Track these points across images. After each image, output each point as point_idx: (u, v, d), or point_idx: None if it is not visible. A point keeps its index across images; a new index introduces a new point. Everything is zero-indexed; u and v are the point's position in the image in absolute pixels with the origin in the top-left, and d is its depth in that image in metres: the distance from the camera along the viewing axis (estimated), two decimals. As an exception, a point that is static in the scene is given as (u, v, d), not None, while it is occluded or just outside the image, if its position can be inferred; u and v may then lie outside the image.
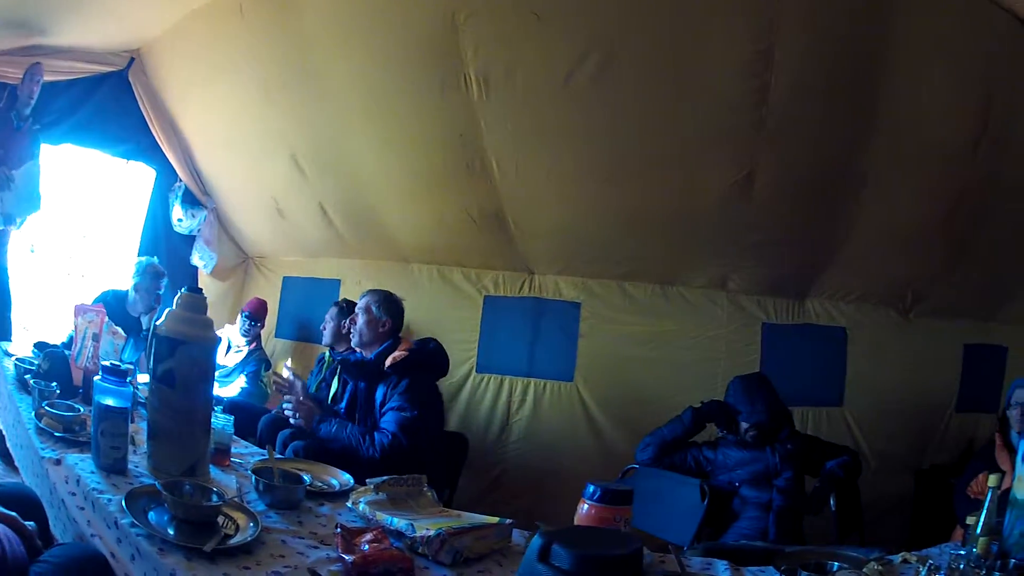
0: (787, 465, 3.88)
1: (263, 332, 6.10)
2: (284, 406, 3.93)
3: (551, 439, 5.16)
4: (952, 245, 5.05)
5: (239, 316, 5.92)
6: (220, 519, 1.93)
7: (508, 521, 2.14)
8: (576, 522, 1.99)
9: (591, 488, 1.99)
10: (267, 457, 2.68)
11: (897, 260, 5.08)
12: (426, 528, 1.92)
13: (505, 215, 4.86)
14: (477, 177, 4.72)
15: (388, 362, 3.87)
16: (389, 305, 4.10)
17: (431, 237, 5.33)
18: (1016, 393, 4.03)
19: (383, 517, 2.09)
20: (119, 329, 3.58)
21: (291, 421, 3.90)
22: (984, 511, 2.25)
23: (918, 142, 4.31)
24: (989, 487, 2.29)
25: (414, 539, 1.91)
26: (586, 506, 1.98)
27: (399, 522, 2.01)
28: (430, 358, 4.02)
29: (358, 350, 4.14)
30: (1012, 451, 3.86)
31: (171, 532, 1.81)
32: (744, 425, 3.97)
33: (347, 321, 4.28)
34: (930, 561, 2.15)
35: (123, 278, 5.42)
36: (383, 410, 3.78)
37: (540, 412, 5.16)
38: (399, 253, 5.60)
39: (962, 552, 2.21)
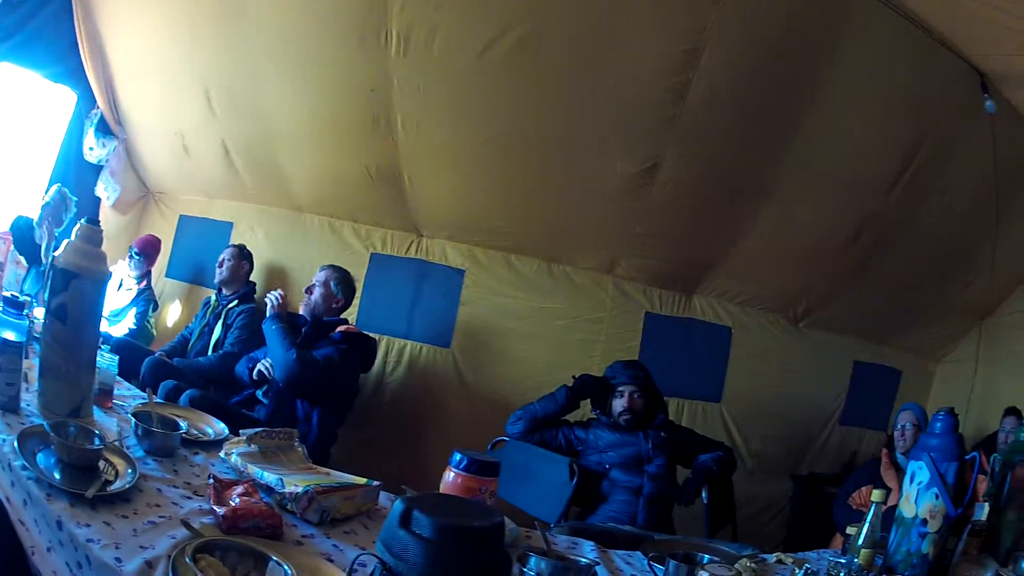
0: (659, 452, 3.91)
1: (155, 271, 5.89)
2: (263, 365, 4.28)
3: (424, 404, 5.11)
4: (849, 269, 5.22)
5: (128, 252, 5.70)
6: (101, 464, 1.91)
7: (376, 483, 2.14)
8: (441, 490, 1.98)
9: (458, 456, 1.97)
10: (147, 401, 2.62)
11: (791, 273, 5.22)
12: (295, 485, 1.91)
13: (402, 174, 4.77)
14: (381, 134, 4.61)
15: (341, 329, 4.42)
16: (345, 286, 4.64)
17: (327, 188, 5.21)
18: (902, 415, 4.21)
19: (254, 470, 2.08)
20: (22, 259, 3.43)
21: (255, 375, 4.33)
22: (867, 523, 2.33)
23: (834, 171, 4.44)
24: (873, 501, 2.37)
25: (283, 495, 1.91)
26: (452, 474, 1.96)
27: (269, 477, 2.01)
28: (372, 344, 4.61)
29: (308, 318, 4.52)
30: (898, 469, 4.03)
31: (57, 476, 1.81)
32: (618, 407, 3.98)
33: (306, 290, 4.62)
34: (807, 565, 2.20)
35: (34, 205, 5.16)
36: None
37: (414, 376, 5.11)
38: (293, 201, 5.47)
39: (842, 560, 2.29)
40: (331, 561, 1.68)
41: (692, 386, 5.30)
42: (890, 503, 3.64)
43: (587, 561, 1.87)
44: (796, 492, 5.74)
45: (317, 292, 4.53)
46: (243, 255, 5.25)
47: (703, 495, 3.97)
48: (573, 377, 4.07)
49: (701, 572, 1.64)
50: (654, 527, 3.61)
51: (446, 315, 5.08)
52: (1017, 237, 5.22)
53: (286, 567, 1.48)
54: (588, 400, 4.13)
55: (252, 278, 5.31)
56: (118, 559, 1.47)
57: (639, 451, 3.91)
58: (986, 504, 2.84)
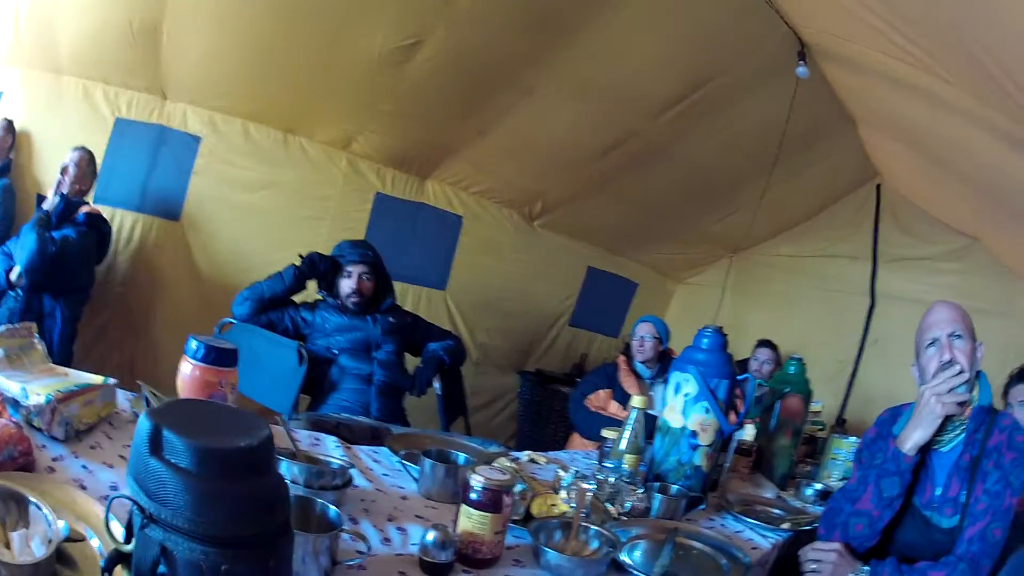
0: (388, 338, 3.83)
1: None
2: None
3: (154, 285, 4.73)
4: (595, 180, 5.37)
5: None
6: None
7: (111, 381, 1.91)
8: (179, 383, 1.77)
9: (195, 345, 1.76)
10: None
11: (534, 172, 5.30)
12: (37, 393, 1.67)
13: (162, 30, 4.30)
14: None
15: (85, 210, 4.17)
16: (94, 167, 4.33)
17: (88, 46, 4.60)
18: (642, 326, 4.39)
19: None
20: None
21: None
22: (630, 429, 2.41)
23: (604, 84, 4.44)
24: (633, 407, 2.45)
25: (29, 408, 1.65)
26: (190, 367, 1.76)
27: (14, 387, 1.73)
28: (108, 231, 4.38)
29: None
30: (637, 376, 4.24)
31: None
32: (346, 289, 3.80)
33: (61, 170, 4.21)
34: (576, 469, 2.24)
35: None
36: None
37: (145, 253, 4.68)
38: (54, 63, 4.77)
39: (609, 464, 2.35)
40: (84, 489, 1.44)
41: (417, 272, 5.27)
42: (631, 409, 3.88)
43: (340, 463, 1.79)
44: (524, 387, 5.98)
45: (72, 172, 4.20)
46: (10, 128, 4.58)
47: (435, 386, 3.97)
48: (300, 256, 3.89)
49: (474, 476, 1.58)
50: (388, 417, 3.55)
51: (178, 185, 4.66)
52: (785, 191, 5.65)
53: (45, 513, 1.21)
54: (316, 281, 3.98)
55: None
56: None
57: (367, 336, 3.79)
58: (751, 426, 3.10)
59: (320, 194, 4.82)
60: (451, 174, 5.21)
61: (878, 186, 6.23)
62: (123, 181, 4.56)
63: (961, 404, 1.96)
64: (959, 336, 2.02)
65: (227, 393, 1.77)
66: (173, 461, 1.04)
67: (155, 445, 1.06)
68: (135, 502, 1.06)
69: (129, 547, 1.07)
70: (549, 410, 5.70)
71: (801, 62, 4.23)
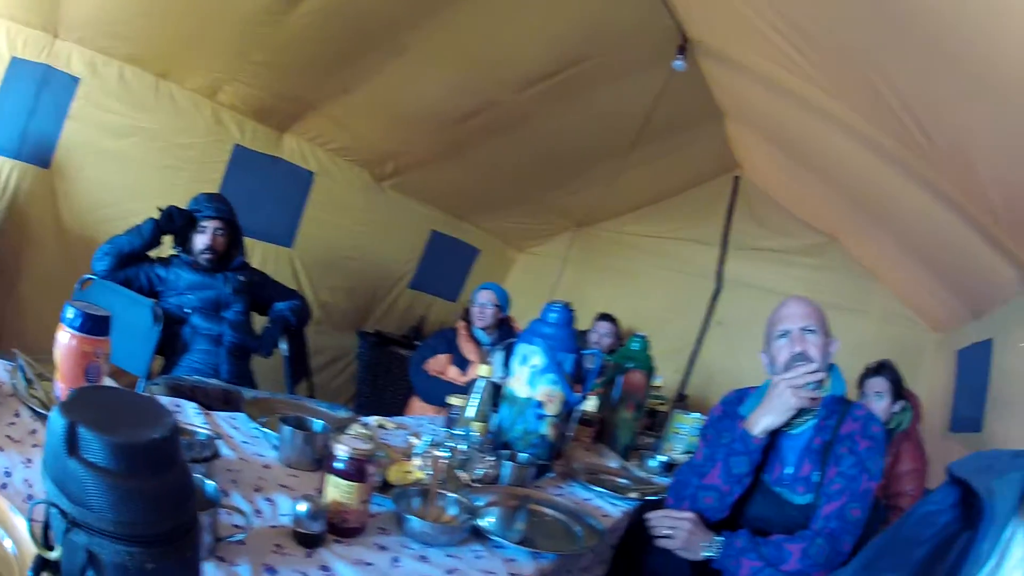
0: (238, 297, 3.80)
1: None
2: None
3: (25, 237, 4.40)
4: (449, 145, 5.36)
5: None
6: None
7: None
8: (56, 353, 1.66)
9: (72, 314, 1.67)
10: None
11: (391, 133, 5.24)
12: None
13: None
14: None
15: None
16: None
17: None
18: (483, 293, 4.45)
19: None
20: None
21: None
22: (478, 397, 2.46)
23: (475, 52, 4.42)
24: (480, 376, 2.50)
25: None
26: (68, 336, 1.66)
27: None
28: None
29: None
30: (476, 343, 4.29)
31: None
32: (199, 244, 3.71)
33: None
34: (430, 437, 2.25)
35: None
36: None
37: (18, 203, 4.37)
38: None
39: (459, 432, 2.38)
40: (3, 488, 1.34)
41: (266, 228, 5.11)
42: (471, 375, 3.94)
43: (206, 433, 1.75)
44: (363, 348, 5.94)
45: None
46: None
47: (282, 347, 3.95)
48: (160, 209, 3.73)
49: (339, 445, 1.58)
50: (238, 380, 3.52)
51: (50, 131, 4.35)
52: (642, 172, 5.84)
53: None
54: (171, 236, 3.83)
55: None
56: None
57: (218, 295, 3.73)
58: (594, 398, 3.19)
59: (183, 142, 4.58)
60: (310, 129, 5.07)
61: (737, 178, 6.57)
62: (5, 125, 4.22)
63: (814, 398, 2.09)
64: (812, 331, 2.16)
65: (102, 363, 1.68)
66: (92, 460, 0.98)
67: (72, 445, 0.99)
68: (59, 508, 0.99)
69: (54, 554, 1.00)
70: (387, 372, 5.69)
71: (680, 56, 4.39)
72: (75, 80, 4.16)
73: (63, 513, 0.98)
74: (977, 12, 2.31)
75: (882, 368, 3.70)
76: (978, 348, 4.29)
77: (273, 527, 1.50)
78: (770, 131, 5.17)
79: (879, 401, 3.60)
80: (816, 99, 3.87)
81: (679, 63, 4.37)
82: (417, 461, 2.01)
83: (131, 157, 4.38)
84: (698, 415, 3.44)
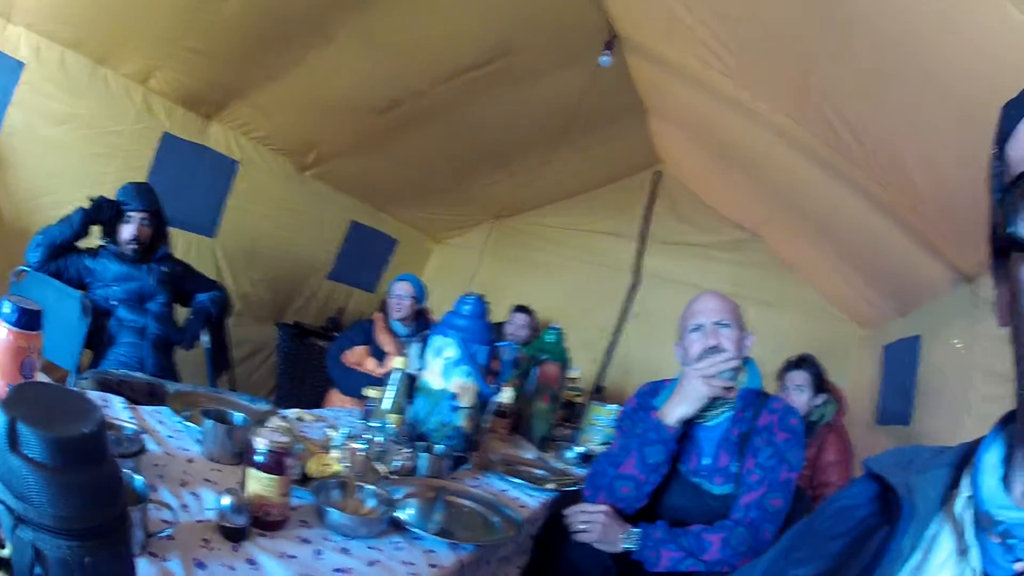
0: (161, 288, 3.77)
1: None
2: None
3: None
4: (370, 135, 5.34)
5: None
6: None
7: None
8: None
9: (8, 308, 1.65)
10: None
11: (315, 122, 5.21)
12: None
13: None
14: None
15: None
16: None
17: None
18: (399, 285, 4.47)
19: None
20: None
21: None
22: (394, 389, 2.51)
23: (398, 42, 4.43)
24: (395, 368, 2.57)
25: None
26: (4, 331, 1.64)
27: None
28: None
29: None
30: (393, 334, 4.32)
31: None
32: (126, 235, 3.67)
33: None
34: (349, 430, 2.27)
35: None
36: None
37: None
38: None
39: (377, 424, 2.42)
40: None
41: (190, 217, 5.01)
42: (387, 367, 3.95)
43: (133, 428, 1.74)
44: (283, 340, 5.89)
45: None
46: None
47: (204, 339, 3.92)
48: (90, 199, 3.67)
49: (258, 438, 1.59)
50: (162, 373, 3.50)
51: None
52: (563, 166, 5.91)
53: None
54: (100, 226, 3.76)
55: None
56: None
57: (142, 286, 3.70)
58: (509, 389, 3.23)
59: (114, 129, 4.46)
60: (236, 118, 4.97)
61: (658, 173, 6.68)
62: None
63: (728, 388, 2.16)
64: (726, 325, 2.23)
65: (35, 358, 1.65)
66: (31, 456, 0.98)
67: (13, 440, 0.99)
68: (5, 504, 0.99)
69: (5, 552, 1.00)
70: (307, 364, 5.66)
71: (607, 51, 4.44)
72: (20, 65, 4.05)
73: (9, 510, 0.99)
74: (912, 21, 2.42)
75: (803, 362, 3.83)
76: (906, 344, 4.45)
77: (200, 521, 1.51)
78: (695, 128, 5.30)
79: (800, 394, 3.73)
80: (744, 99, 3.97)
81: (605, 59, 4.43)
82: (335, 453, 2.02)
83: (66, 144, 4.28)
84: (615, 407, 3.51)
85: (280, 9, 4.01)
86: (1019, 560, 0.67)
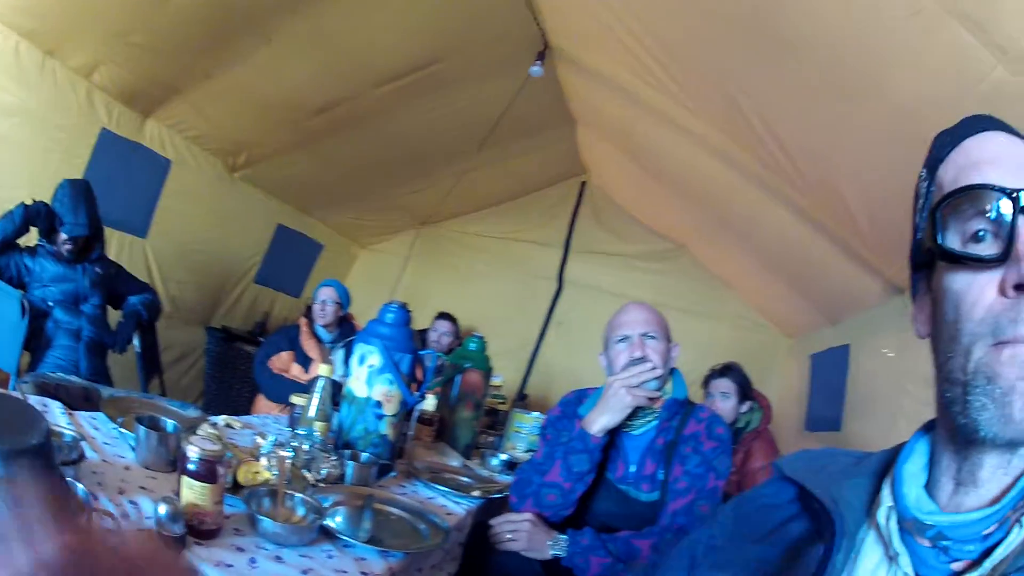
0: (95, 290, 3.76)
1: None
2: None
3: None
4: (301, 137, 5.35)
5: None
6: None
7: None
8: None
9: None
10: None
11: (247, 122, 5.19)
12: None
13: None
14: None
15: None
16: None
17: None
18: (324, 291, 4.50)
19: None
20: None
21: None
22: (319, 397, 2.51)
23: (331, 45, 4.45)
24: (321, 375, 2.56)
25: None
26: None
27: None
28: None
29: None
30: (318, 340, 4.35)
31: None
32: (63, 235, 3.69)
33: None
34: (276, 437, 2.29)
35: None
36: None
37: None
38: None
39: (302, 431, 2.44)
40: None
41: (123, 217, 4.94)
42: (312, 373, 3.96)
43: (72, 435, 1.74)
44: (211, 344, 5.84)
45: None
46: None
47: (135, 343, 3.89)
48: (34, 200, 3.62)
49: (190, 446, 1.61)
50: (96, 377, 3.49)
51: None
52: (489, 173, 5.99)
53: None
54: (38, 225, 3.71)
55: None
56: None
57: (77, 287, 3.68)
58: (432, 397, 3.27)
59: (59, 123, 4.37)
60: (172, 115, 4.92)
61: (583, 183, 6.78)
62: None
63: (653, 399, 2.23)
64: (653, 336, 2.29)
65: None
66: None
67: None
68: None
69: None
70: (234, 369, 5.61)
71: (538, 62, 4.56)
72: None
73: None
74: (846, 43, 2.53)
75: (728, 370, 3.93)
76: (835, 352, 4.60)
77: (140, 530, 1.52)
78: (623, 140, 5.41)
79: (725, 401, 3.83)
80: (675, 113, 4.09)
81: (536, 69, 4.55)
82: (264, 461, 2.04)
83: (14, 140, 4.18)
84: (538, 414, 3.60)
85: (221, 5, 4.00)
86: (956, 560, 0.71)
